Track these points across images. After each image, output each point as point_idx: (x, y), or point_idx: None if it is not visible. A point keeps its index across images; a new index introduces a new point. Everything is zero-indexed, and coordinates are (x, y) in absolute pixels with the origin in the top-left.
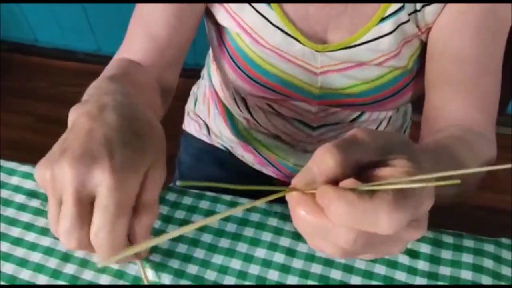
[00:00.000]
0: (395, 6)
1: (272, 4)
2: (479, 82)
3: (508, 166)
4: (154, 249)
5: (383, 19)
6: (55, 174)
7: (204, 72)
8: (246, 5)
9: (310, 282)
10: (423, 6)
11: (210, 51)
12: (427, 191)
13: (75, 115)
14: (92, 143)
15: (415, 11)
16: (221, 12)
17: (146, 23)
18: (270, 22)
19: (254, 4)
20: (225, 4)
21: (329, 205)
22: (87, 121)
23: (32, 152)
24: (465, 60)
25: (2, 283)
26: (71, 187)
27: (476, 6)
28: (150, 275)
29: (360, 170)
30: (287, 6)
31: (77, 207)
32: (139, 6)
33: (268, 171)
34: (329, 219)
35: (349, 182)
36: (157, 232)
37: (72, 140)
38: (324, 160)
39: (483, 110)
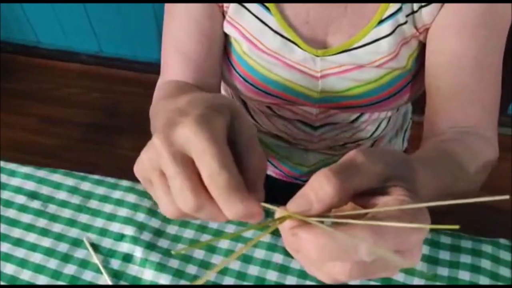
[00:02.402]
0: (393, 8)
1: (271, 9)
2: (478, 82)
3: (506, 197)
4: (153, 249)
5: (381, 21)
6: (148, 153)
7: None
8: (245, 11)
9: (308, 283)
10: (420, 7)
11: None
12: (416, 220)
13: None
14: (174, 115)
15: (413, 12)
16: (223, 22)
17: (176, 44)
18: (270, 28)
19: (253, 10)
20: (227, 14)
21: (304, 249)
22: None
23: (33, 153)
24: (463, 60)
25: (3, 283)
26: (164, 151)
27: (474, 4)
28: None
29: (357, 195)
30: (287, 11)
31: (178, 164)
32: (165, 30)
33: (269, 171)
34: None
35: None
36: (156, 232)
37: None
38: (322, 187)
39: (483, 110)
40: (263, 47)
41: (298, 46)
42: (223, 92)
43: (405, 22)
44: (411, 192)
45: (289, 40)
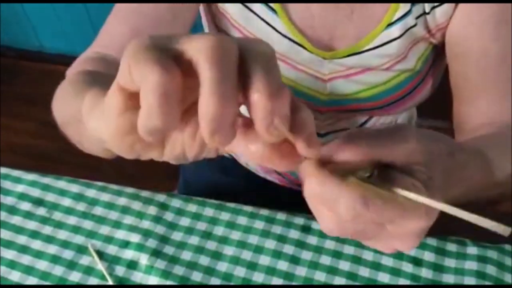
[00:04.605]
0: (402, 11)
1: (278, 13)
2: (505, 77)
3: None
4: (158, 256)
5: (390, 24)
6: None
7: None
8: (251, 14)
9: None
10: (432, 8)
11: None
12: (417, 210)
13: None
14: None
15: (423, 13)
16: (223, 21)
17: (131, 19)
18: (277, 30)
19: (260, 13)
20: (228, 15)
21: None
22: None
23: (33, 158)
24: (487, 57)
25: None
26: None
27: (490, 3)
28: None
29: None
30: (294, 14)
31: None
32: (118, 7)
33: (272, 177)
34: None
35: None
36: (162, 239)
37: None
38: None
39: None
40: None
41: (306, 49)
42: None
43: (415, 25)
44: (430, 180)
45: (296, 43)
